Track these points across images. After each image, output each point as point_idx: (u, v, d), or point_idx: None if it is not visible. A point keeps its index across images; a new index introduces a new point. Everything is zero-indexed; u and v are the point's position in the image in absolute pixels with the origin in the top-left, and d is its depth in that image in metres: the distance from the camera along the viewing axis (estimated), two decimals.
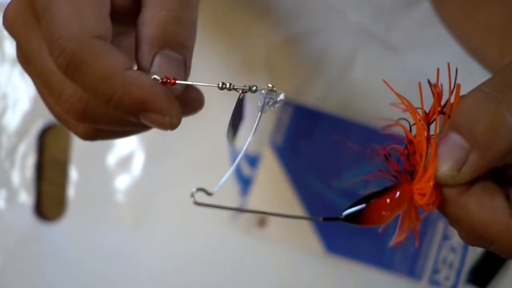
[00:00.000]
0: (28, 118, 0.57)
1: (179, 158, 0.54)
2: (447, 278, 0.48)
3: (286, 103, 0.53)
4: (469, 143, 0.22)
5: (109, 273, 0.54)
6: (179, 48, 0.26)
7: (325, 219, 0.25)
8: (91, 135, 0.30)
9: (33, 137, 0.56)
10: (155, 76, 0.26)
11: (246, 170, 0.52)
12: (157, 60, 0.26)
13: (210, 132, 0.53)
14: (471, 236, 0.24)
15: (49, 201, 0.56)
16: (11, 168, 0.56)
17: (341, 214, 0.25)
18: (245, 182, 0.52)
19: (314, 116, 0.52)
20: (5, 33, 0.47)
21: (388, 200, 0.24)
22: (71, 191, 0.55)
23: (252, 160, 0.52)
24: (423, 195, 0.24)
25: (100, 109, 0.27)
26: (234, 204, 0.52)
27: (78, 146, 0.56)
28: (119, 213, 0.54)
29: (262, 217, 0.51)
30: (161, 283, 0.53)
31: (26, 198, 0.55)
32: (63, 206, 0.55)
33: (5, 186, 0.56)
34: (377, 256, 0.49)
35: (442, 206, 0.24)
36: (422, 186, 0.24)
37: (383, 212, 0.24)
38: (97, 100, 0.26)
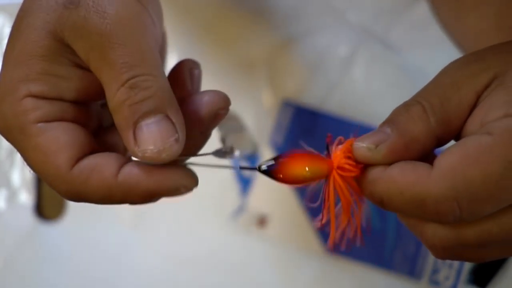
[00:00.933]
0: None
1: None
2: (447, 278, 0.48)
3: (286, 103, 0.53)
4: (390, 128, 0.25)
5: (108, 273, 0.54)
6: (152, 113, 0.25)
7: (242, 167, 0.28)
8: None
9: None
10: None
11: (246, 171, 0.52)
12: (138, 135, 0.25)
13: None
14: (405, 207, 0.24)
15: (49, 201, 0.56)
16: (11, 168, 0.56)
17: (259, 165, 0.27)
18: (245, 182, 0.52)
19: (314, 116, 0.52)
20: (6, 33, 0.48)
21: (303, 160, 0.26)
22: None
23: (252, 160, 0.52)
24: (347, 170, 0.26)
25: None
26: (233, 204, 0.52)
27: None
28: (119, 213, 0.54)
29: (262, 218, 0.51)
30: (160, 283, 0.53)
31: (26, 198, 0.55)
32: (63, 206, 0.55)
33: (5, 186, 0.56)
34: (377, 256, 0.49)
35: (372, 188, 0.25)
36: (343, 162, 0.27)
37: (297, 171, 0.26)
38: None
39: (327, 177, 0.27)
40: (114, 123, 0.25)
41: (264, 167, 0.26)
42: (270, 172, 0.26)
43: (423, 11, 0.52)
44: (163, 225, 0.54)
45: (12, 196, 0.55)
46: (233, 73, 0.55)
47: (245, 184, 0.52)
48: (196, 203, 0.52)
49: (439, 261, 0.48)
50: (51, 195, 0.56)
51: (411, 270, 0.48)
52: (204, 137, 0.28)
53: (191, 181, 0.26)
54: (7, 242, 0.55)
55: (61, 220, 0.55)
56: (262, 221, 0.51)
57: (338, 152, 0.27)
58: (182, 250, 0.54)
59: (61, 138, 0.25)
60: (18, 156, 0.56)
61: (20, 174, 0.56)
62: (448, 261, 0.48)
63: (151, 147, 0.24)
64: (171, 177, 0.25)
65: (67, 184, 0.25)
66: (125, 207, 0.58)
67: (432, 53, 0.52)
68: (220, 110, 0.27)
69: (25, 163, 0.26)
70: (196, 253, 0.53)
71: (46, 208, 0.56)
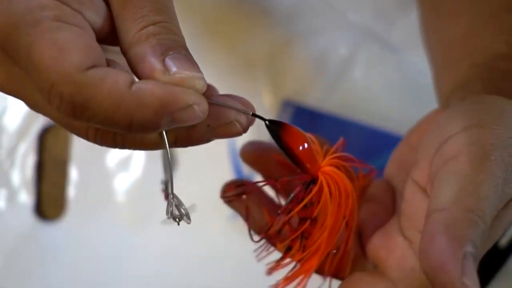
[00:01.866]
0: (28, 118, 0.57)
1: (179, 158, 0.54)
2: None
3: (286, 103, 0.53)
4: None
5: (108, 273, 0.54)
6: (180, 50, 0.25)
7: (254, 115, 0.27)
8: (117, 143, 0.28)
9: (33, 137, 0.56)
10: None
11: (246, 170, 0.52)
12: (169, 62, 0.24)
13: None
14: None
15: (49, 201, 0.56)
16: (11, 168, 0.56)
17: (267, 119, 0.28)
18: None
19: (314, 116, 0.52)
20: None
21: (304, 139, 0.28)
22: (71, 191, 0.55)
23: None
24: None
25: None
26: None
27: (78, 146, 0.56)
28: (119, 213, 0.54)
29: None
30: (160, 283, 0.53)
31: (26, 198, 0.55)
32: (63, 206, 0.55)
33: (5, 186, 0.56)
34: None
35: None
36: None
37: (298, 141, 0.28)
38: (120, 131, 0.25)
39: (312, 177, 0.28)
40: (130, 57, 0.25)
41: (269, 122, 0.28)
42: (274, 128, 0.28)
43: None
44: (162, 225, 0.54)
45: (12, 196, 0.55)
46: (233, 73, 0.55)
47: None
48: (196, 203, 0.52)
49: None
50: (51, 195, 0.56)
51: None
52: (208, 132, 0.27)
53: (203, 101, 0.24)
54: (7, 242, 0.55)
55: (61, 220, 0.55)
56: None
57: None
58: (181, 250, 0.54)
59: (79, 40, 0.24)
60: (18, 156, 0.56)
61: (20, 174, 0.56)
62: None
63: (186, 72, 0.24)
64: (184, 91, 0.24)
65: (75, 86, 0.23)
66: (125, 207, 0.58)
67: None
68: (242, 123, 0.27)
69: (28, 71, 0.24)
70: (196, 253, 0.53)
71: (46, 208, 0.56)
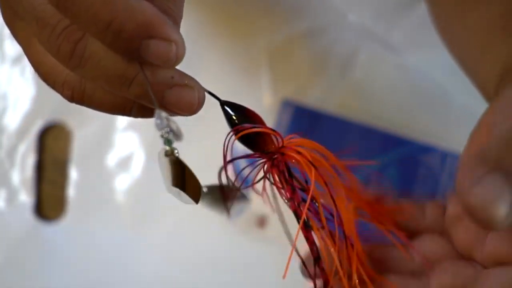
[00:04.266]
0: (28, 118, 0.57)
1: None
2: None
3: (286, 103, 0.53)
4: None
5: (108, 273, 0.54)
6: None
7: (209, 92, 0.27)
8: (76, 97, 0.27)
9: (33, 137, 0.56)
10: None
11: (246, 170, 0.52)
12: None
13: (210, 133, 0.53)
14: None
15: (49, 201, 0.56)
16: (11, 168, 0.56)
17: (222, 100, 0.27)
18: (245, 183, 0.52)
19: (314, 116, 0.52)
20: (5, 33, 0.48)
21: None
22: (71, 191, 0.55)
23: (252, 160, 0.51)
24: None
25: (95, 45, 0.24)
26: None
27: (78, 146, 0.56)
28: (119, 214, 0.54)
29: (262, 218, 0.51)
30: (160, 283, 0.53)
31: (26, 198, 0.55)
32: (63, 206, 0.55)
33: (5, 186, 0.56)
34: None
35: None
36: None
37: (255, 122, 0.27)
38: (95, 28, 0.23)
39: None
40: None
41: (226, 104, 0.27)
42: (229, 109, 0.27)
43: (424, 12, 0.52)
44: (163, 225, 0.54)
45: (12, 196, 0.55)
46: (233, 73, 0.55)
47: (245, 184, 0.52)
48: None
49: None
50: (51, 195, 0.56)
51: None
52: (169, 84, 0.26)
53: (182, 47, 0.24)
54: (7, 242, 0.55)
55: (61, 220, 0.55)
56: (261, 222, 0.51)
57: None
58: (181, 250, 0.54)
59: None
60: (18, 156, 0.56)
61: (20, 174, 0.56)
62: None
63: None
64: (172, 27, 0.23)
65: None
66: (125, 207, 0.58)
67: (432, 53, 0.52)
68: (200, 96, 0.26)
69: None
70: (196, 254, 0.53)
71: (46, 208, 0.56)
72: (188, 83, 0.26)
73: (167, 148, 0.26)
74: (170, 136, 0.26)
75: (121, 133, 0.56)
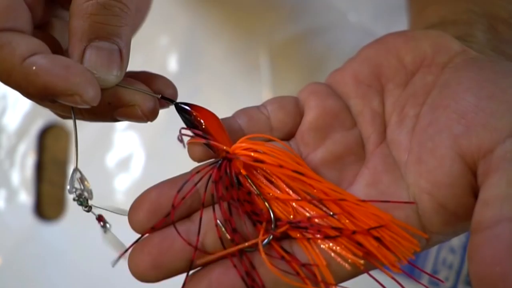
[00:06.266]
0: (28, 118, 0.57)
1: (179, 158, 0.54)
2: (446, 279, 0.48)
3: None
4: None
5: (108, 273, 0.54)
6: (111, 38, 0.25)
7: (162, 97, 0.27)
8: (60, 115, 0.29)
9: (33, 137, 0.56)
10: None
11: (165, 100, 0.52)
12: (87, 54, 0.25)
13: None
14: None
15: (49, 201, 0.56)
16: (11, 168, 0.56)
17: (176, 102, 0.28)
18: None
19: None
20: None
21: (211, 124, 0.27)
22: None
23: None
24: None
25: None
26: None
27: (78, 146, 0.56)
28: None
29: None
30: (160, 283, 0.53)
31: (26, 198, 0.55)
32: (63, 206, 0.55)
33: (5, 186, 0.56)
34: None
35: None
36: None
37: (210, 121, 0.27)
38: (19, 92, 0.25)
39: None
40: (69, 26, 0.25)
41: (181, 105, 0.28)
42: (184, 109, 0.28)
43: None
44: None
45: (11, 196, 0.55)
46: (233, 73, 0.55)
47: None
48: None
49: (439, 262, 0.48)
50: (51, 195, 0.56)
51: (410, 270, 0.48)
52: (110, 111, 0.27)
53: (91, 92, 0.24)
54: (6, 242, 0.55)
55: (61, 220, 0.55)
56: None
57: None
58: None
59: None
60: (18, 156, 0.56)
61: (20, 174, 0.56)
62: (447, 262, 0.48)
63: (98, 68, 0.25)
64: (72, 80, 0.24)
65: None
66: (125, 207, 0.58)
67: None
68: (144, 109, 0.27)
69: None
70: None
71: (46, 208, 0.56)
72: (130, 101, 0.27)
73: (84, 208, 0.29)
74: (82, 199, 0.28)
75: (121, 133, 0.56)
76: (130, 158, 0.55)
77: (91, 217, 0.56)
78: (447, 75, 0.28)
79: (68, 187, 0.26)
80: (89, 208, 0.28)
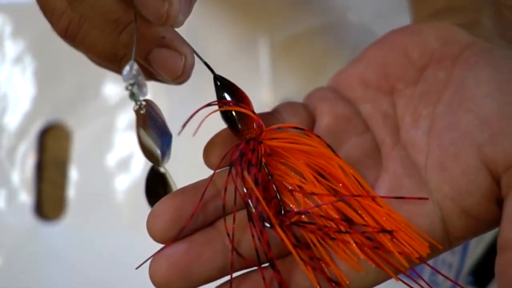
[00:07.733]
0: (28, 118, 0.57)
1: (178, 158, 0.54)
2: (446, 279, 0.48)
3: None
4: None
5: (108, 273, 0.54)
6: None
7: (206, 64, 0.28)
8: (70, 31, 0.26)
9: (33, 137, 0.56)
10: None
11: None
12: None
13: (210, 133, 0.53)
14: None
15: (49, 201, 0.56)
16: (11, 168, 0.56)
17: (217, 76, 0.28)
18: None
19: None
20: (6, 33, 0.47)
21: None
22: (71, 191, 0.55)
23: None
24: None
25: None
26: None
27: (78, 146, 0.56)
28: (119, 214, 0.54)
29: None
30: None
31: (26, 198, 0.55)
32: (63, 206, 0.55)
33: (5, 186, 0.56)
34: None
35: None
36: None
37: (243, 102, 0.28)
38: None
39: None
40: None
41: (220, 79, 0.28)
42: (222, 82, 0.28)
43: None
44: None
45: (12, 196, 0.55)
46: (234, 71, 0.55)
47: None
48: None
49: (439, 262, 0.48)
50: (51, 195, 0.56)
51: (410, 270, 0.48)
52: (158, 43, 0.26)
53: (176, 9, 0.23)
54: (6, 242, 0.55)
55: (61, 220, 0.55)
56: None
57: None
58: None
59: None
60: (18, 156, 0.56)
61: (20, 174, 0.56)
62: (447, 262, 0.48)
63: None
64: None
65: None
66: (125, 207, 0.58)
67: None
68: (188, 60, 0.26)
69: None
70: None
71: (46, 208, 0.56)
72: (180, 49, 0.26)
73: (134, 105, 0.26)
74: (135, 89, 0.25)
75: (121, 133, 0.56)
76: (130, 158, 0.55)
77: (91, 217, 0.56)
78: (461, 73, 0.27)
79: (124, 74, 0.24)
80: (140, 104, 0.26)
